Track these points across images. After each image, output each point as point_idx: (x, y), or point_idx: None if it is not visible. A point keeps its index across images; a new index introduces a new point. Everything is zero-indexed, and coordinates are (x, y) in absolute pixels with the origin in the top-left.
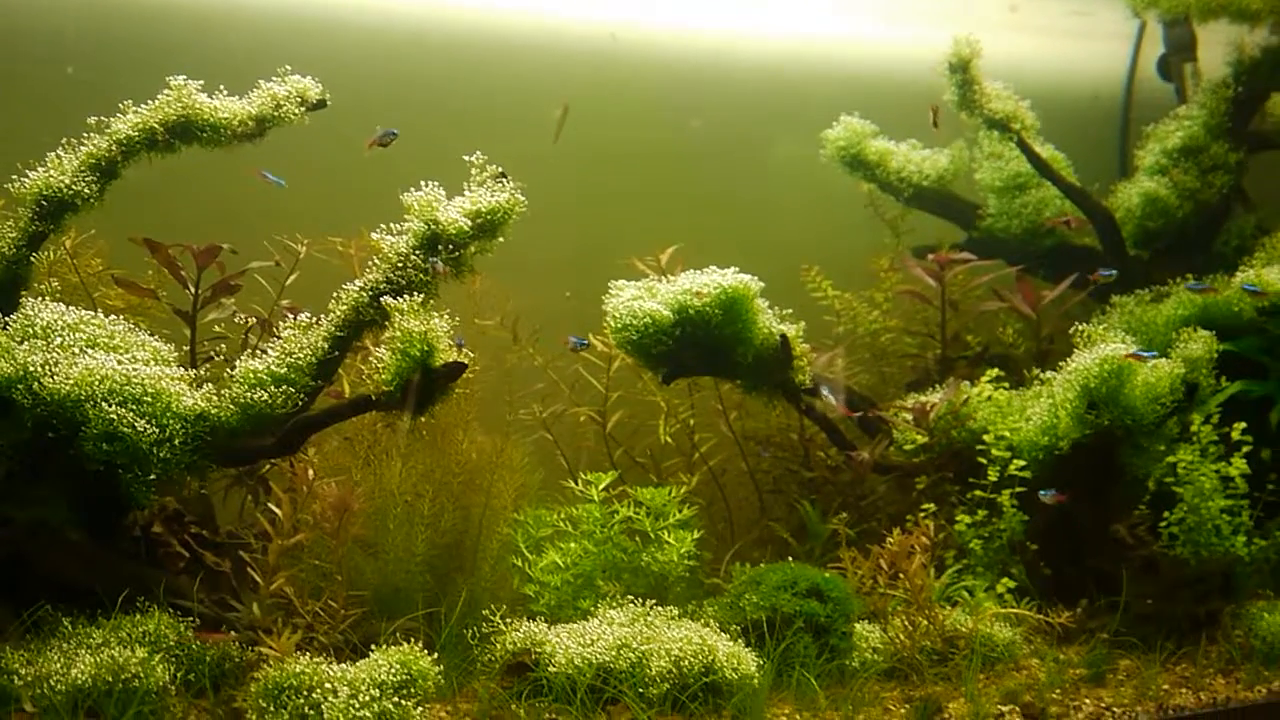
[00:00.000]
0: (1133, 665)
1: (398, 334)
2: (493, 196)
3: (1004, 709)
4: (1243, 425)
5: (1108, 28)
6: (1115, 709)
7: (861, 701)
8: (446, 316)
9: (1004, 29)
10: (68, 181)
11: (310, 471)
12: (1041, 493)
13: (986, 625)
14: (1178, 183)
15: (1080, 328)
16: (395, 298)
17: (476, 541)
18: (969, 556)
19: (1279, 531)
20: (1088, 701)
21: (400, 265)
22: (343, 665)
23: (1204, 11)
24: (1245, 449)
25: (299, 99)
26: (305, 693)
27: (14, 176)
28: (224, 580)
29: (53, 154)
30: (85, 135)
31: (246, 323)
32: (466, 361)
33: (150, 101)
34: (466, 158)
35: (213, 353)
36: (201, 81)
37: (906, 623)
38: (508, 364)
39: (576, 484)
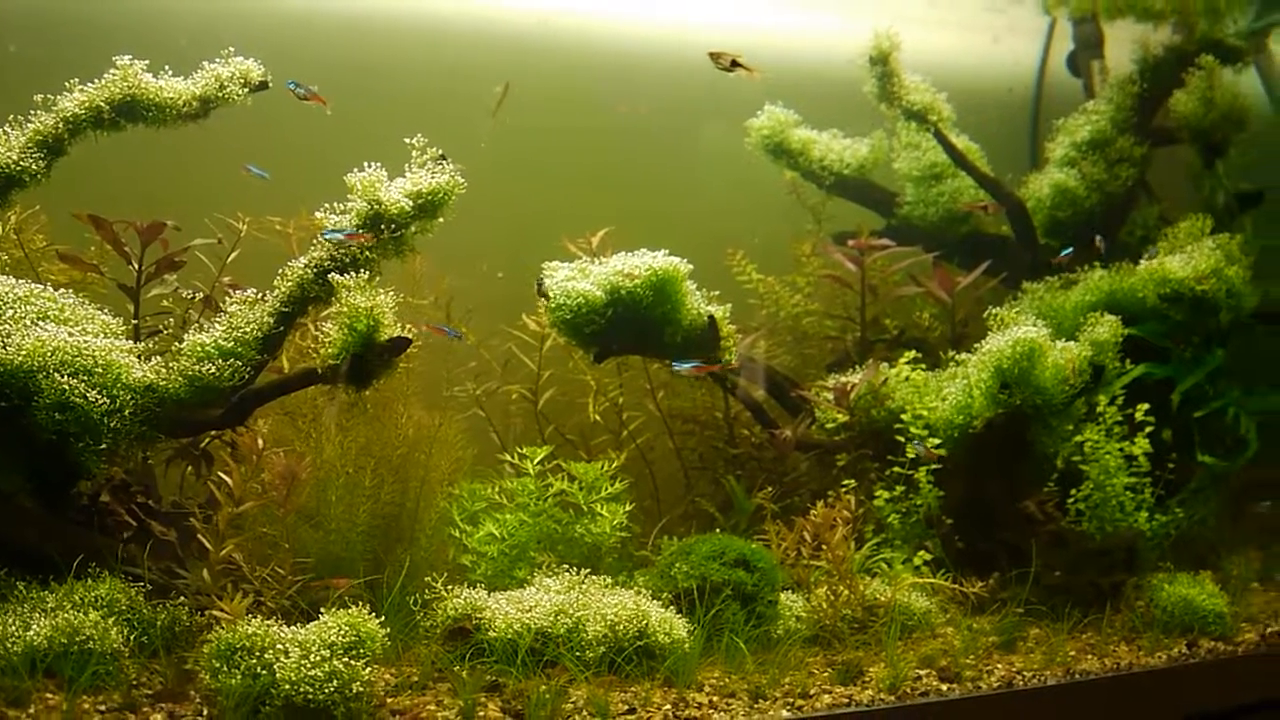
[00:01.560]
0: (1042, 633)
1: (344, 309)
2: (434, 178)
3: (921, 673)
4: (1146, 406)
5: (1021, 24)
6: (1025, 673)
7: (787, 665)
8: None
9: (922, 24)
10: (15, 158)
11: (260, 441)
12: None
13: (904, 595)
14: (1086, 174)
15: (993, 312)
16: (340, 275)
17: (415, 513)
18: (887, 530)
19: (1179, 508)
20: (1000, 667)
21: (344, 243)
22: (293, 628)
23: (1111, 10)
24: (1148, 429)
25: (242, 80)
26: (258, 653)
27: None
28: (169, 549)
29: None
30: (32, 112)
31: (191, 298)
32: (410, 337)
33: (94, 81)
34: (407, 140)
35: (158, 327)
36: (147, 61)
37: (829, 592)
38: (442, 342)
39: (511, 458)
